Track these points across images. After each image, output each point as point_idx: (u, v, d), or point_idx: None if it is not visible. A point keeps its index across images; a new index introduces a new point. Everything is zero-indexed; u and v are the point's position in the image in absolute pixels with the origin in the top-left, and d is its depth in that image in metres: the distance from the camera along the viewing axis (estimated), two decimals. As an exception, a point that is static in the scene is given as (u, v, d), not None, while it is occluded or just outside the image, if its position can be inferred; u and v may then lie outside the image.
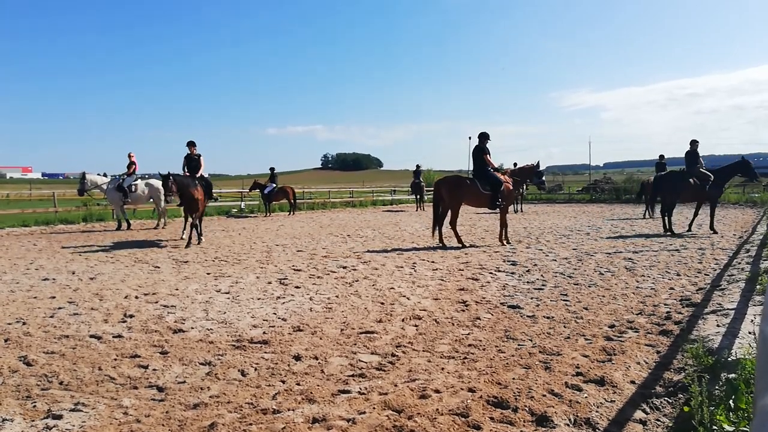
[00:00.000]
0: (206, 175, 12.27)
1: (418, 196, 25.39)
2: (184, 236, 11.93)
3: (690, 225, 12.95)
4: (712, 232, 12.39)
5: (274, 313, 5.42)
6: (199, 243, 11.35)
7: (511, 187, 10.85)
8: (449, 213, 10.77)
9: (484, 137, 10.73)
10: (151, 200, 15.38)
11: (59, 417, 3.04)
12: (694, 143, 12.82)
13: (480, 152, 10.65)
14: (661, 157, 18.20)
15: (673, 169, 14.04)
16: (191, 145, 11.67)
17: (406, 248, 10.57)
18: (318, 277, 7.40)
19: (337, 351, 4.21)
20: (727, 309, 4.92)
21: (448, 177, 11.34)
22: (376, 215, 21.85)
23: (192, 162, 11.65)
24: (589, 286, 6.56)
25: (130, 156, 15.19)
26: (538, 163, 11.45)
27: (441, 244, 10.76)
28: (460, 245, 10.56)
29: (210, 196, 11.99)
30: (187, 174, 11.45)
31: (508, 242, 10.86)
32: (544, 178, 11.71)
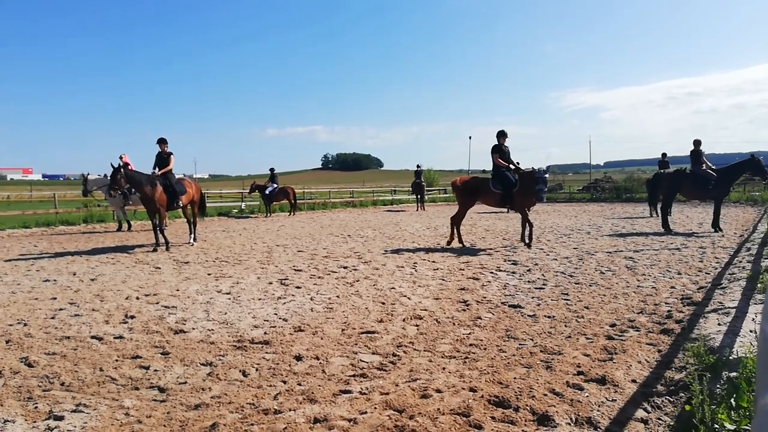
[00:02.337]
0: (178, 175, 11.69)
1: (419, 196, 25.40)
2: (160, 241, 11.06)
3: (713, 224, 12.57)
4: (714, 230, 12.36)
5: (275, 314, 5.42)
6: (166, 249, 10.64)
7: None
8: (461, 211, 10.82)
9: (498, 135, 10.43)
10: None
11: (61, 418, 3.04)
12: (697, 143, 12.79)
13: (491, 152, 10.43)
14: (664, 155, 18.20)
15: (678, 168, 13.91)
16: (162, 142, 11.19)
17: (406, 248, 10.57)
18: (319, 278, 7.40)
19: (338, 351, 4.21)
20: (729, 308, 4.92)
21: (466, 179, 11.22)
22: (377, 215, 21.84)
23: (162, 161, 11.15)
24: (590, 285, 6.56)
25: (122, 158, 15.03)
26: (537, 169, 10.09)
27: (461, 245, 10.65)
28: (460, 244, 10.57)
29: (174, 198, 10.98)
30: (153, 172, 10.90)
31: (528, 243, 10.32)
32: (545, 186, 10.05)
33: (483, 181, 10.67)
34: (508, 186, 10.13)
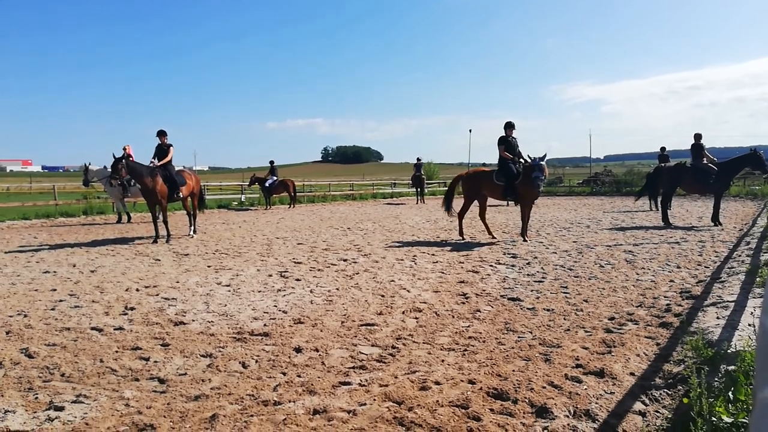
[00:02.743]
0: (178, 167, 11.72)
1: (419, 189, 25.36)
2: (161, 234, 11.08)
3: (712, 218, 12.57)
4: (713, 224, 12.36)
5: (275, 306, 5.43)
6: (167, 241, 10.69)
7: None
8: (480, 204, 10.88)
9: (505, 127, 10.25)
10: None
11: (61, 408, 3.05)
12: (697, 136, 12.76)
13: (498, 143, 10.26)
14: (663, 149, 18.16)
15: (678, 161, 13.88)
16: (162, 134, 11.14)
17: (406, 241, 10.57)
18: (318, 270, 7.41)
19: (338, 343, 4.22)
20: (727, 301, 4.92)
21: (471, 171, 11.23)
22: (377, 208, 21.83)
23: (162, 152, 11.12)
24: (589, 279, 6.57)
25: (125, 149, 15.03)
26: (533, 157, 9.76)
27: (461, 238, 10.73)
28: (461, 237, 10.61)
29: (174, 189, 11.01)
30: (153, 162, 10.86)
31: (524, 238, 10.19)
32: (542, 174, 9.59)
33: (487, 174, 10.61)
34: (510, 178, 10.01)
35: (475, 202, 10.96)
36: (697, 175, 12.49)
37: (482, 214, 11.06)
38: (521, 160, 10.06)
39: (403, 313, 5.11)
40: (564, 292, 5.88)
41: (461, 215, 10.83)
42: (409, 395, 3.13)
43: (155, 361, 3.84)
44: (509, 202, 10.79)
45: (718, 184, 12.32)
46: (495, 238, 10.61)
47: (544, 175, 9.79)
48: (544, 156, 9.77)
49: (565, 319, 4.83)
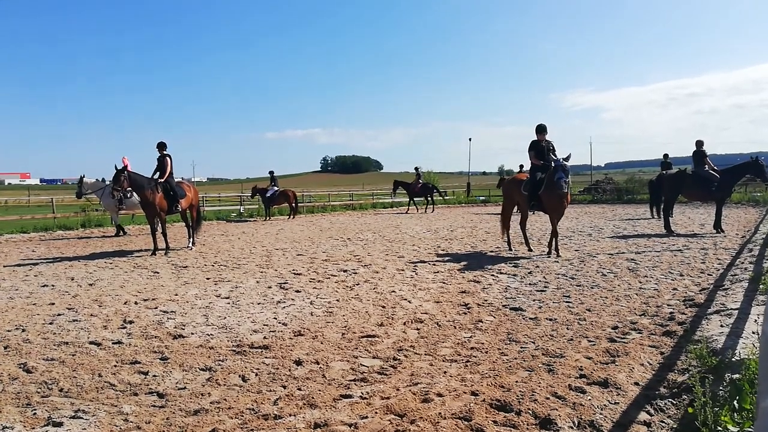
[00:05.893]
0: (177, 179, 11.72)
1: (429, 197, 25.36)
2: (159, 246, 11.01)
3: (714, 225, 12.55)
4: (716, 231, 12.34)
5: (275, 318, 5.39)
6: (166, 253, 10.67)
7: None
8: (521, 214, 10.49)
9: (536, 131, 9.52)
10: None
11: (59, 424, 3.02)
12: (699, 143, 12.79)
13: (528, 149, 9.58)
14: (666, 156, 18.20)
15: (679, 168, 13.89)
16: (161, 146, 11.10)
17: (407, 251, 10.54)
18: (318, 281, 7.38)
19: (339, 355, 4.18)
20: (731, 309, 4.89)
21: (509, 178, 11.04)
22: (377, 218, 21.81)
23: (162, 164, 11.07)
24: (592, 288, 6.54)
25: (123, 161, 14.95)
26: (556, 158, 8.92)
27: (528, 249, 10.16)
28: (528, 249, 10.13)
29: (174, 202, 11.01)
30: (154, 178, 10.85)
31: (557, 254, 9.31)
32: (565, 175, 8.76)
33: (520, 182, 10.16)
34: (535, 187, 9.41)
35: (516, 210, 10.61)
36: (699, 183, 12.50)
37: (511, 223, 10.60)
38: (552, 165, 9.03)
39: (405, 324, 5.08)
40: (566, 302, 5.85)
41: (522, 223, 10.43)
42: (411, 408, 3.09)
43: (154, 375, 3.80)
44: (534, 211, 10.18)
45: (720, 192, 12.33)
46: (511, 250, 10.25)
47: (568, 178, 8.88)
48: (568, 156, 8.93)
49: (568, 328, 4.79)
